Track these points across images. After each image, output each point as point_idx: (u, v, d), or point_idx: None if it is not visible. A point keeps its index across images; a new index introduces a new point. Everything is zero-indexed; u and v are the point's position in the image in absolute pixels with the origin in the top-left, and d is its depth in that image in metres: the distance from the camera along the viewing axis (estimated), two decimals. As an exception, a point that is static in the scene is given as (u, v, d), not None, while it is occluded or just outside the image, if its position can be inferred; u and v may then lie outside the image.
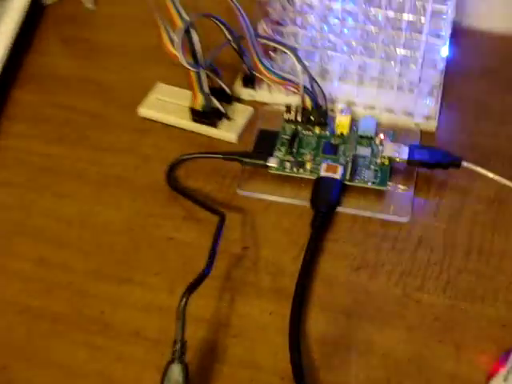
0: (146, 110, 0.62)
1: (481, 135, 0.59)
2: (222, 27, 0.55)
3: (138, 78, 0.66)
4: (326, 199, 0.53)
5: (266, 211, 0.54)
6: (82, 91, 0.66)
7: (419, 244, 0.52)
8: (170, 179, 0.56)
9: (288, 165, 0.55)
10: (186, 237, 0.53)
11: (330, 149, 0.56)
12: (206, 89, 0.56)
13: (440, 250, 0.51)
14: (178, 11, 0.53)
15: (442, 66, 0.58)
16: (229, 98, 0.60)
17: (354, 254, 0.51)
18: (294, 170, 0.55)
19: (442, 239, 0.52)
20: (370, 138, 0.57)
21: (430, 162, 0.54)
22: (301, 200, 0.54)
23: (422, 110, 0.58)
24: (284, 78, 0.55)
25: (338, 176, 0.53)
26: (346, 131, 0.57)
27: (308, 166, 0.55)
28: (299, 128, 0.58)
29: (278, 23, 0.60)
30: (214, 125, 0.59)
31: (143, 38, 0.68)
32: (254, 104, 0.62)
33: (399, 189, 0.54)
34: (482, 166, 0.54)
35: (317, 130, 0.58)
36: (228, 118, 0.59)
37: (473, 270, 0.50)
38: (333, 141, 0.57)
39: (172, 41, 0.55)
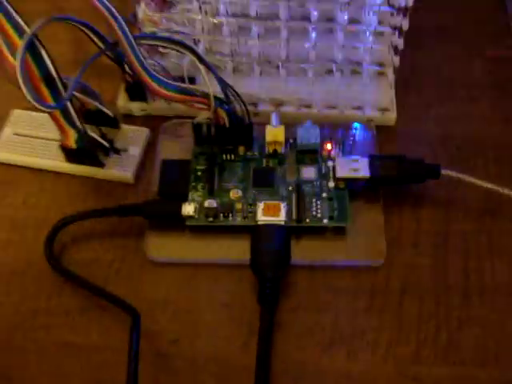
0: (2, 153, 0.45)
1: (451, 122, 0.46)
2: (88, 32, 0.38)
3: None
4: (271, 261, 0.38)
5: (191, 281, 0.40)
6: None
7: (403, 294, 0.39)
8: (52, 257, 0.40)
9: (210, 211, 0.40)
10: (87, 339, 0.38)
11: (264, 177, 0.41)
12: (78, 122, 0.40)
13: (431, 298, 0.39)
14: (13, 23, 0.36)
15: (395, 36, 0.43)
16: (113, 122, 0.43)
17: (322, 325, 0.38)
18: (220, 217, 0.40)
19: (431, 281, 0.39)
20: (314, 152, 0.42)
21: (401, 176, 0.40)
22: (236, 257, 0.39)
23: (375, 99, 0.44)
24: (185, 92, 0.39)
25: (281, 219, 0.39)
26: (280, 148, 0.42)
27: (238, 207, 0.40)
28: (216, 151, 0.43)
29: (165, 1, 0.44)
30: (98, 164, 0.43)
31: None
32: (149, 121, 0.46)
33: (363, 220, 0.41)
34: (464, 170, 0.40)
35: (241, 150, 0.42)
36: (117, 152, 0.43)
37: (477, 319, 0.38)
38: (264, 164, 0.42)
39: None
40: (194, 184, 0.41)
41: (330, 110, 0.44)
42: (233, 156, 0.42)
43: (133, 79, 0.42)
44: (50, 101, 0.37)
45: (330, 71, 0.44)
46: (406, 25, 0.38)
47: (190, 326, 0.38)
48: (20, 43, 0.35)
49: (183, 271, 0.40)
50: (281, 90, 0.43)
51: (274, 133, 0.41)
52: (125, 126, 0.44)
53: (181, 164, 0.42)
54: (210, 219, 0.40)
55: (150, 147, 0.44)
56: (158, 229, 0.41)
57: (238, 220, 0.40)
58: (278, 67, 0.44)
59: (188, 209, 0.40)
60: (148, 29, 0.44)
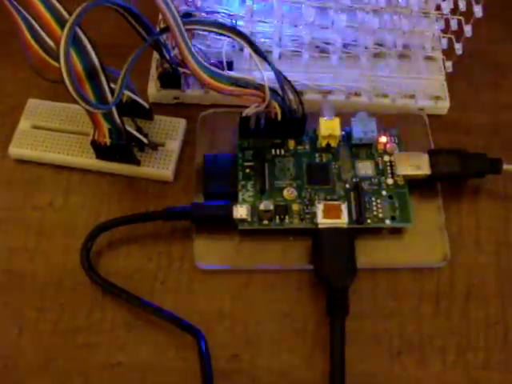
0: (20, 150, 0.39)
1: (504, 110, 0.43)
2: (130, 18, 0.33)
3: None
4: (339, 269, 0.35)
5: (246, 290, 0.36)
6: None
7: (468, 296, 0.37)
8: (90, 268, 0.36)
9: (266, 214, 0.36)
10: (135, 359, 0.34)
11: (318, 174, 0.38)
12: (117, 116, 0.35)
13: (497, 300, 0.37)
14: (50, 8, 0.31)
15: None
16: (147, 113, 0.39)
17: (389, 332, 0.36)
18: (276, 220, 0.37)
19: (496, 281, 0.37)
20: (369, 146, 0.39)
21: (463, 172, 0.38)
22: (294, 263, 0.37)
23: (426, 86, 0.41)
24: (237, 83, 0.35)
25: (344, 222, 0.36)
26: (334, 142, 0.39)
27: (294, 208, 0.37)
28: (264, 145, 0.39)
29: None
30: (134, 161, 0.38)
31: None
32: (182, 110, 0.41)
33: (423, 218, 0.38)
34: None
35: (291, 144, 0.39)
36: (155, 148, 0.38)
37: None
38: (318, 159, 0.39)
39: (45, 50, 0.33)
40: (243, 183, 0.38)
41: (379, 98, 0.41)
42: (282, 151, 0.39)
43: (171, 67, 0.38)
44: (92, 96, 0.33)
45: (379, 56, 0.41)
46: (479, 12, 0.35)
47: (249, 339, 0.36)
48: (62, 33, 0.30)
49: (236, 279, 0.37)
50: (328, 78, 0.40)
51: (330, 126, 0.38)
52: (158, 117, 0.40)
53: (225, 159, 0.38)
54: (265, 222, 0.37)
55: (186, 139, 0.40)
56: (206, 233, 0.37)
57: (295, 222, 0.37)
58: (325, 52, 0.40)
59: (240, 211, 0.36)
60: (182, 7, 0.39)
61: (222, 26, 0.35)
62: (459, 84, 0.43)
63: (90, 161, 0.39)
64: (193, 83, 0.40)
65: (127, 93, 0.37)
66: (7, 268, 0.37)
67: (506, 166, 0.38)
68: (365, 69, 0.40)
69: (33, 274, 0.37)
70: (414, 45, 0.40)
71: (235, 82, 0.35)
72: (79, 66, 0.32)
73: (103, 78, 0.33)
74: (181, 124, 0.40)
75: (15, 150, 0.39)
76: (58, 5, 0.31)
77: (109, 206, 0.39)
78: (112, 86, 0.35)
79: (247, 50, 0.35)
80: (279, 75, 0.36)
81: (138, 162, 0.38)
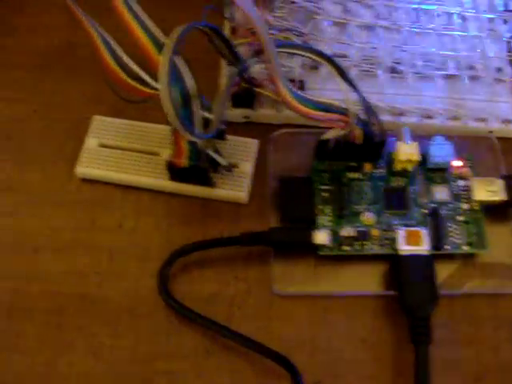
0: (87, 169, 0.39)
1: None
2: (218, 41, 0.32)
3: (58, 111, 0.42)
4: (423, 297, 0.35)
5: (325, 316, 0.36)
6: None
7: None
8: (168, 294, 0.35)
9: (347, 240, 0.36)
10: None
11: (396, 198, 0.38)
12: (202, 141, 0.35)
13: None
14: (148, 30, 0.30)
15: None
16: (221, 134, 0.38)
17: (467, 359, 0.36)
18: (356, 246, 0.37)
19: None
20: (444, 170, 0.39)
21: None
22: (372, 288, 0.37)
23: (497, 109, 0.41)
24: (325, 109, 0.35)
25: (425, 248, 0.36)
26: (411, 166, 0.38)
27: (374, 233, 0.37)
28: (340, 168, 0.39)
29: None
30: (209, 183, 0.38)
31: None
32: (252, 129, 0.41)
33: (497, 243, 0.38)
34: None
35: (367, 168, 0.39)
36: (229, 169, 0.38)
37: None
38: (394, 183, 0.39)
39: (124, 69, 0.32)
40: (321, 207, 0.37)
41: (451, 121, 0.40)
42: (359, 174, 0.39)
43: (249, 87, 0.37)
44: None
45: (450, 77, 0.40)
46: None
47: (331, 365, 0.35)
48: (161, 59, 0.29)
49: (314, 305, 0.37)
50: (402, 99, 0.40)
51: (408, 151, 0.37)
52: (231, 137, 0.39)
53: (301, 182, 0.38)
54: (346, 248, 0.36)
55: (259, 162, 0.40)
56: (284, 258, 0.37)
57: (375, 248, 0.37)
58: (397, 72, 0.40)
59: (321, 237, 0.36)
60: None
61: (314, 52, 0.34)
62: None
63: (161, 182, 0.38)
64: (265, 102, 0.40)
65: (204, 113, 0.37)
66: (79, 292, 0.37)
67: None
68: (438, 90, 0.40)
69: (105, 299, 0.36)
70: (486, 67, 0.41)
71: (322, 108, 0.35)
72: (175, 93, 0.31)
73: (197, 104, 0.32)
74: (254, 145, 0.39)
75: (82, 169, 0.39)
76: (154, 27, 0.31)
77: (181, 229, 0.38)
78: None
79: (326, 68, 0.35)
80: (365, 101, 0.36)
81: (213, 184, 0.38)
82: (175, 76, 0.31)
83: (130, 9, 0.31)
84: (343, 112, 0.35)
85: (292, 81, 0.39)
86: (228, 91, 0.32)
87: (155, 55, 0.30)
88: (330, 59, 0.34)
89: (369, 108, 0.36)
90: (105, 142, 0.39)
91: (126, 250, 0.38)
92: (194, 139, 0.32)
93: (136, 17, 0.30)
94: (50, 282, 0.37)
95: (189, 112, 0.32)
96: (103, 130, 0.40)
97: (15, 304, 0.37)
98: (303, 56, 0.35)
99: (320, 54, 0.34)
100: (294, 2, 0.40)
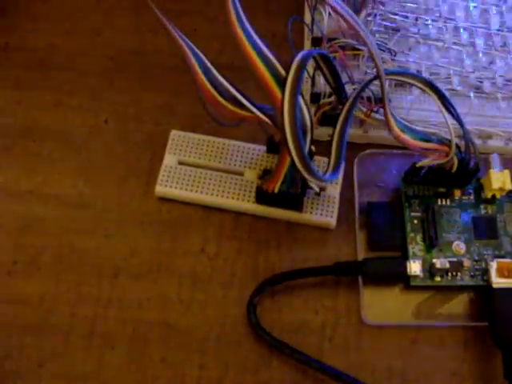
0: (167, 189, 0.37)
1: None
2: (326, 71, 0.31)
3: (131, 122, 0.40)
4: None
5: (414, 347, 0.36)
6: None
7: None
8: (257, 325, 0.35)
9: (440, 271, 0.36)
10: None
11: (486, 227, 0.37)
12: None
13: None
14: (267, 60, 0.28)
15: None
16: (310, 154, 0.37)
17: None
18: (448, 277, 0.36)
19: None
20: (531, 197, 0.39)
21: None
22: (462, 320, 0.36)
23: None
24: (428, 139, 0.34)
25: (518, 281, 0.36)
26: (500, 194, 0.38)
27: (465, 264, 0.36)
28: (429, 194, 0.38)
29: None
30: (297, 207, 0.37)
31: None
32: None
33: None
34: None
35: (457, 194, 0.38)
36: (318, 194, 0.37)
37: None
38: (483, 211, 0.38)
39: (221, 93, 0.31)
40: (412, 235, 0.37)
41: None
42: (448, 201, 0.38)
43: (340, 106, 0.36)
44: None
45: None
46: None
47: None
48: (286, 103, 0.28)
49: (404, 335, 0.36)
50: (489, 122, 0.39)
51: (501, 179, 0.37)
52: (317, 158, 0.38)
53: (390, 208, 0.38)
54: (438, 279, 0.36)
55: (344, 180, 0.39)
56: (373, 287, 0.37)
57: (466, 279, 0.36)
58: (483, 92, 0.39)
59: (414, 268, 0.36)
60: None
61: (419, 79, 0.33)
62: None
63: (246, 204, 0.37)
64: (352, 121, 0.39)
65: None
66: (162, 320, 0.36)
67: None
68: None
69: (190, 328, 0.36)
70: None
71: (424, 138, 0.34)
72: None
73: (309, 139, 0.31)
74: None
75: (162, 188, 0.37)
76: (274, 59, 0.29)
77: (267, 253, 0.37)
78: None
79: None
80: (466, 130, 0.35)
81: (300, 209, 0.37)
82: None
83: (249, 36, 0.29)
84: (444, 142, 0.35)
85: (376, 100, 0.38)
86: (346, 128, 0.31)
87: (277, 91, 0.29)
88: (435, 88, 0.33)
89: (468, 136, 0.36)
90: (184, 159, 0.38)
91: (210, 276, 0.37)
92: (321, 184, 0.30)
93: (255, 47, 0.29)
94: (131, 308, 0.36)
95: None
96: (181, 146, 0.38)
97: (95, 331, 0.36)
98: (408, 83, 0.34)
99: (429, 84, 0.33)
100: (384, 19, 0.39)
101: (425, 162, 0.36)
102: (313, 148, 0.36)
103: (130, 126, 0.40)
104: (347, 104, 0.34)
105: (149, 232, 0.38)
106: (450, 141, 0.35)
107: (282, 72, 0.29)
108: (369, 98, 0.37)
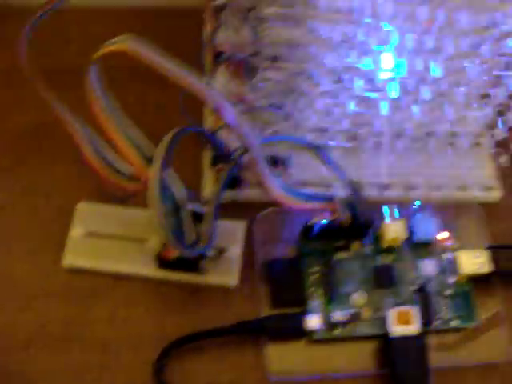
0: (75, 260, 0.39)
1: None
2: (206, 141, 0.33)
3: (41, 196, 0.42)
4: (415, 376, 0.36)
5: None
6: None
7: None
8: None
9: (338, 324, 0.37)
10: None
11: (384, 276, 0.39)
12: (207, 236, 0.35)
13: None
14: (134, 141, 0.30)
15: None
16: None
17: None
18: (348, 328, 0.37)
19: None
20: (430, 244, 0.40)
21: (524, 268, 0.40)
22: (365, 367, 0.37)
23: (479, 176, 0.42)
24: (313, 198, 0.36)
25: (415, 328, 0.37)
26: (398, 243, 0.39)
27: (364, 314, 0.38)
28: (327, 248, 0.39)
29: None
30: (198, 270, 0.38)
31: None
32: (238, 209, 0.41)
33: (485, 314, 0.39)
34: None
35: (355, 247, 0.40)
36: (218, 256, 0.38)
37: None
38: (382, 261, 0.40)
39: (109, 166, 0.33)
40: (311, 290, 0.38)
41: (434, 191, 0.42)
42: (347, 254, 0.39)
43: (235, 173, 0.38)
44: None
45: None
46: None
47: None
48: (151, 177, 0.30)
49: (309, 389, 0.38)
50: (385, 173, 0.41)
51: (394, 229, 0.39)
52: (218, 221, 0.39)
53: (289, 264, 0.39)
54: (337, 331, 0.37)
55: (247, 240, 0.40)
56: (278, 343, 0.38)
57: (367, 329, 0.38)
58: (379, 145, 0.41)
59: (313, 323, 0.37)
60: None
61: (299, 142, 0.35)
62: (510, 170, 0.44)
63: (151, 270, 0.39)
64: (251, 183, 0.41)
65: (189, 205, 0.37)
66: (75, 389, 0.38)
67: None
68: (420, 161, 0.41)
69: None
70: (466, 135, 0.42)
71: (308, 198, 0.36)
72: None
73: (187, 213, 0.33)
74: (241, 227, 0.40)
75: (70, 260, 0.39)
76: (141, 136, 0.31)
77: (173, 317, 0.39)
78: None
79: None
80: (352, 184, 0.36)
81: (202, 271, 0.38)
82: (165, 188, 0.31)
83: (114, 116, 0.31)
84: (329, 199, 0.37)
85: (276, 161, 0.40)
86: (218, 199, 0.32)
87: (144, 168, 0.31)
88: (315, 148, 0.35)
89: (355, 191, 0.37)
90: (91, 229, 0.40)
91: (119, 342, 0.38)
92: (185, 254, 0.32)
93: (120, 125, 0.31)
94: (44, 380, 0.37)
95: (179, 220, 0.33)
96: (89, 217, 0.40)
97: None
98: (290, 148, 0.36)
99: (306, 144, 0.35)
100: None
101: (315, 219, 0.38)
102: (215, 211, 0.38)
103: (39, 200, 0.42)
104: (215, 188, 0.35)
105: (59, 303, 0.39)
106: (336, 198, 0.37)
107: (150, 149, 0.31)
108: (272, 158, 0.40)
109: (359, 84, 0.38)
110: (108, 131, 0.31)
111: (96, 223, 0.40)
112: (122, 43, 0.28)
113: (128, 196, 0.35)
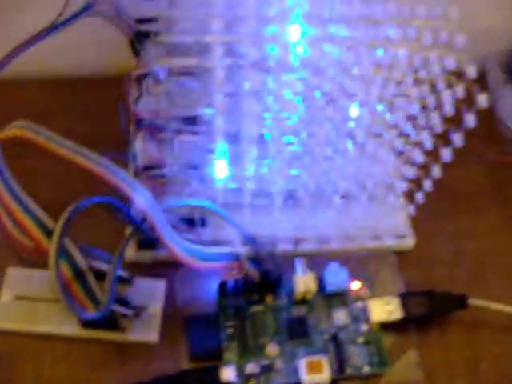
0: (3, 323, 0.41)
1: (463, 238, 0.47)
2: (113, 209, 0.35)
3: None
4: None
5: None
6: None
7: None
8: None
9: (251, 377, 0.39)
10: None
11: (297, 328, 0.41)
12: (100, 294, 0.37)
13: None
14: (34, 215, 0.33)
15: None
16: (128, 280, 0.41)
17: None
18: (261, 379, 0.39)
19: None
20: (342, 294, 0.42)
21: (432, 313, 0.41)
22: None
23: (393, 226, 0.45)
24: (218, 258, 0.38)
25: (326, 376, 0.39)
26: (309, 295, 0.41)
27: (277, 365, 0.39)
28: (243, 303, 0.41)
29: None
30: (118, 329, 0.40)
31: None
32: (160, 267, 0.43)
33: (399, 357, 0.41)
34: (489, 297, 0.42)
35: (269, 300, 0.42)
36: (138, 314, 0.40)
37: None
38: (295, 313, 0.41)
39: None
40: (226, 344, 0.40)
41: (348, 242, 0.44)
42: (261, 307, 0.41)
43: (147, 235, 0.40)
44: (82, 294, 0.35)
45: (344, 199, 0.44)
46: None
47: None
48: (50, 247, 0.32)
49: None
50: (298, 227, 0.43)
51: (305, 282, 0.41)
52: (138, 280, 0.42)
53: (207, 320, 0.41)
54: (252, 383, 0.39)
55: (167, 296, 0.42)
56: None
57: (280, 379, 0.39)
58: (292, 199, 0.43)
59: (227, 375, 0.39)
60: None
61: (196, 205, 0.38)
62: (422, 217, 0.45)
63: (75, 330, 0.41)
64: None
65: (106, 267, 0.39)
66: None
67: (470, 301, 0.42)
68: (332, 215, 0.43)
69: None
70: (376, 185, 0.44)
71: (214, 257, 0.38)
72: (67, 270, 0.34)
73: (91, 277, 0.35)
74: (161, 286, 0.42)
75: (-1, 323, 0.42)
76: (43, 215, 0.34)
77: (98, 374, 0.41)
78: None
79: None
80: (256, 242, 0.39)
81: (122, 330, 0.40)
82: (67, 257, 0.34)
83: (11, 192, 0.34)
84: (236, 257, 0.39)
85: (192, 221, 0.42)
86: (118, 262, 0.35)
87: (44, 241, 0.33)
88: (216, 211, 0.37)
89: (260, 247, 0.39)
90: (19, 293, 0.42)
91: (45, 401, 0.40)
92: (81, 317, 0.34)
93: (18, 201, 0.33)
94: None
95: (85, 284, 0.35)
96: (18, 282, 0.42)
97: None
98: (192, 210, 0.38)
99: (206, 208, 0.38)
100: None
101: (225, 277, 0.40)
102: (126, 275, 0.40)
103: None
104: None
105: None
106: (240, 256, 0.39)
107: (49, 223, 0.34)
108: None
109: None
110: (9, 209, 0.33)
111: (24, 287, 0.42)
112: (14, 130, 0.31)
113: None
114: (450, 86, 0.37)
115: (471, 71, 0.34)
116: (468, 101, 0.35)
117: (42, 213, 0.34)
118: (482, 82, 0.34)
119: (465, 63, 0.35)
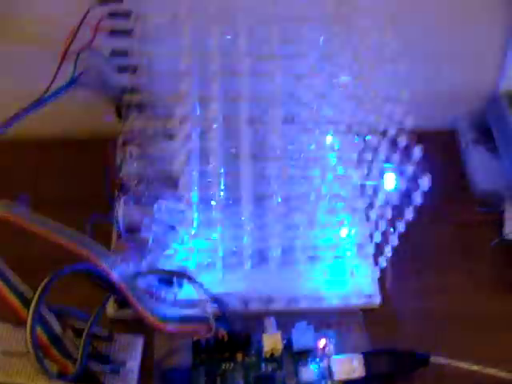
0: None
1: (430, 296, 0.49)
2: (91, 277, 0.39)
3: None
4: None
5: None
6: None
7: None
8: None
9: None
10: None
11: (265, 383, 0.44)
12: (76, 354, 0.40)
13: None
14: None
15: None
16: (108, 337, 0.44)
17: None
18: None
19: None
20: (310, 351, 0.45)
21: (395, 371, 0.44)
22: None
23: (360, 286, 0.47)
24: (187, 319, 0.41)
25: (292, 432, 0.42)
26: (277, 352, 0.44)
27: (246, 422, 0.42)
28: (215, 360, 0.44)
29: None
30: (97, 383, 0.43)
31: None
32: (140, 324, 0.44)
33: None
34: (452, 354, 0.44)
35: (239, 357, 0.44)
36: (116, 371, 0.43)
37: None
38: (263, 369, 0.44)
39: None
40: (199, 399, 0.43)
41: (316, 301, 0.47)
42: (232, 364, 0.44)
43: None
44: (59, 356, 0.38)
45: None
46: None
47: None
48: (27, 315, 0.35)
49: None
50: (267, 287, 0.46)
51: (272, 341, 0.44)
52: (118, 336, 0.45)
53: (182, 375, 0.44)
54: None
55: (146, 355, 0.45)
56: None
57: None
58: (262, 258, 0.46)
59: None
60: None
61: (173, 272, 0.41)
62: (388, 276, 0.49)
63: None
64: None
65: (85, 326, 0.42)
66: None
67: (433, 359, 0.44)
68: (300, 275, 0.46)
69: None
70: (344, 247, 0.47)
71: (183, 319, 0.41)
72: (43, 335, 0.37)
73: (67, 341, 0.38)
74: (139, 342, 0.45)
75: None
76: (20, 283, 0.37)
77: None
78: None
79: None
80: (224, 304, 0.42)
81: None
82: (43, 323, 0.37)
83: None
84: (204, 319, 0.41)
85: (170, 281, 0.45)
86: (90, 330, 0.38)
87: (23, 310, 0.36)
88: (189, 277, 0.41)
89: (227, 308, 0.42)
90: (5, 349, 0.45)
91: None
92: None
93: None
94: None
95: (62, 347, 0.39)
96: (5, 336, 0.45)
97: None
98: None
99: (181, 274, 0.41)
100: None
101: (197, 337, 0.43)
102: (105, 334, 0.44)
103: None
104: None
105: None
106: (207, 318, 0.42)
107: (27, 292, 0.37)
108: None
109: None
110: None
111: (5, 342, 0.44)
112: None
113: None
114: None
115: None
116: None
117: (19, 281, 0.37)
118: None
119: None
